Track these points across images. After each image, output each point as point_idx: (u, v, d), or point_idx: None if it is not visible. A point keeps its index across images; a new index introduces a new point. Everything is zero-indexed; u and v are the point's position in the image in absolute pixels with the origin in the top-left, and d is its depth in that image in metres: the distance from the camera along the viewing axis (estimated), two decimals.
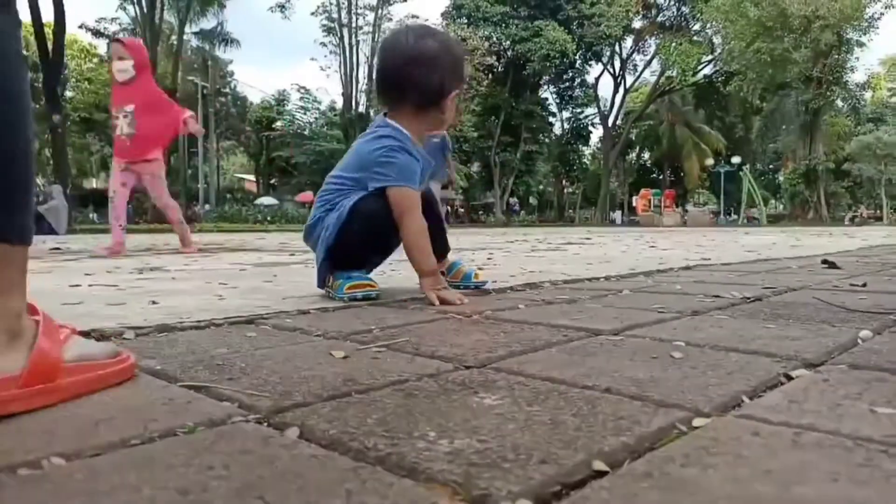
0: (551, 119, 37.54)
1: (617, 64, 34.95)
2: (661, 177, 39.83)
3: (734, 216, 30.31)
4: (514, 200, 36.15)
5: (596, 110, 37.17)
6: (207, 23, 32.27)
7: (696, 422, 0.63)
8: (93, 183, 41.14)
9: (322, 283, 1.79)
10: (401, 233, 1.66)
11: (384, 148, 1.64)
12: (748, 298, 1.63)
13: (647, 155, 42.18)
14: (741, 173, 30.39)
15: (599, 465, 0.52)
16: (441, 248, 1.84)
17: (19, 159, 0.72)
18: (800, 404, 0.69)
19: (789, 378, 0.81)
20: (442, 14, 33.26)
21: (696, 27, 31.96)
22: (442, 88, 1.66)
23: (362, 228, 1.65)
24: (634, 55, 35.15)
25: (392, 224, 1.65)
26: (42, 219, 10.58)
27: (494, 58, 29.13)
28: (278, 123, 35.93)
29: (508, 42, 31.34)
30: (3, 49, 0.71)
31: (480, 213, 36.48)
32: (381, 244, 1.77)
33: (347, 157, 1.78)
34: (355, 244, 1.69)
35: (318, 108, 34.76)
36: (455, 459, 0.53)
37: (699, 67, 32.61)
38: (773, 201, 37.12)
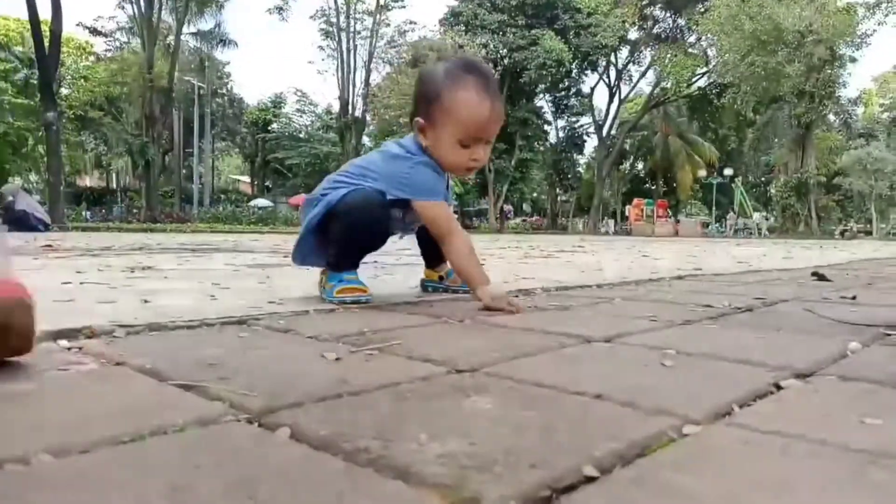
0: (546, 127, 37.58)
1: (612, 74, 35.13)
2: (654, 187, 39.99)
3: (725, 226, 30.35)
4: (508, 207, 36.13)
5: (591, 119, 37.32)
6: (205, 23, 32.33)
7: (687, 429, 0.63)
8: (86, 181, 40.99)
9: (302, 259, 1.82)
10: (447, 251, 1.68)
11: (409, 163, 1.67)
12: (739, 308, 1.64)
13: (640, 165, 42.34)
14: (733, 185, 30.54)
15: (590, 471, 0.52)
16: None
17: None
18: (789, 414, 0.69)
19: (779, 388, 0.81)
20: (440, 21, 33.38)
21: (692, 39, 32.15)
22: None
23: (351, 223, 1.66)
24: (630, 66, 35.37)
25: (380, 225, 1.70)
26: (28, 217, 10.53)
27: (491, 65, 29.22)
28: (274, 125, 35.90)
29: (505, 50, 31.43)
30: None
31: (474, 219, 36.51)
32: (368, 242, 1.75)
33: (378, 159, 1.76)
34: (344, 238, 1.69)
35: (314, 111, 34.76)
36: (446, 462, 0.53)
37: (693, 79, 32.84)
38: (763, 213, 37.36)
